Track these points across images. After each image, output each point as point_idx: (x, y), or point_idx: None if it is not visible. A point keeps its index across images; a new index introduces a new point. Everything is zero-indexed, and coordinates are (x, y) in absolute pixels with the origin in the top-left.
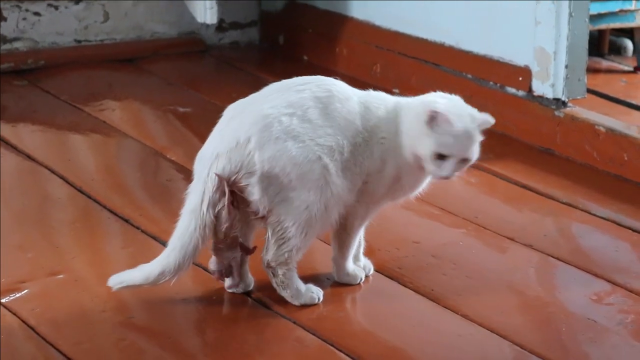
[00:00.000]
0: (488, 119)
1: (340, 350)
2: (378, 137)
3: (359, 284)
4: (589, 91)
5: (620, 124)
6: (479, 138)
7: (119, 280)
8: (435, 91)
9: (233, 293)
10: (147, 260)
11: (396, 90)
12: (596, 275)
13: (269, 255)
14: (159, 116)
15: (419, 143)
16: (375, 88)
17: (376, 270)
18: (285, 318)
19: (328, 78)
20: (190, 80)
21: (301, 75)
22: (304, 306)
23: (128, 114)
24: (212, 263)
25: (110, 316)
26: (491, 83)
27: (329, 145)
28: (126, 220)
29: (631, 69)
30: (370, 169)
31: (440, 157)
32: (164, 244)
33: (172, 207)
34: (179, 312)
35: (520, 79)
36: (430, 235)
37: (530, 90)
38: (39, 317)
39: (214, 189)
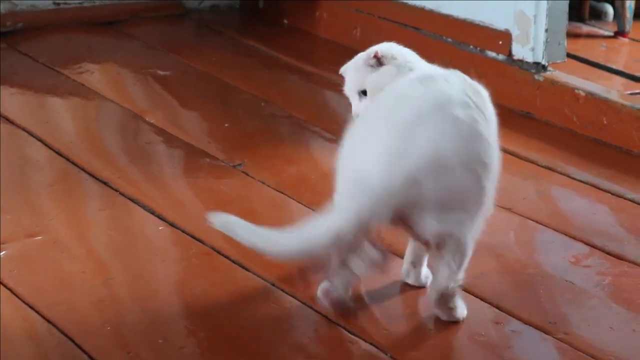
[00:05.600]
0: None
1: (319, 313)
2: None
3: None
4: (569, 56)
5: (600, 88)
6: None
7: (224, 223)
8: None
9: (213, 255)
10: (126, 222)
11: None
12: (574, 238)
13: (448, 280)
14: (138, 79)
15: None
16: (356, 52)
17: None
18: (260, 277)
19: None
20: (170, 44)
21: (281, 38)
22: None
23: (107, 77)
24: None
25: (89, 277)
26: (471, 47)
27: (487, 162)
28: (104, 183)
29: (611, 34)
30: None
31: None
32: (143, 206)
33: (150, 169)
34: (159, 273)
35: (500, 42)
36: None
37: (510, 54)
38: (17, 279)
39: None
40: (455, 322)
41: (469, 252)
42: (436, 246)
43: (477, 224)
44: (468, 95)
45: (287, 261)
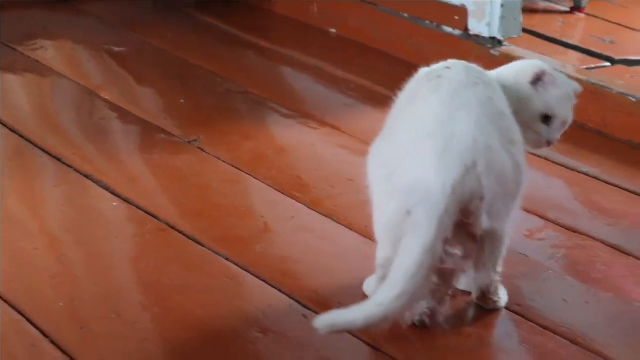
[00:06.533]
0: (578, 86)
1: (273, 287)
2: None
3: None
4: (526, 31)
5: (556, 63)
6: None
7: (330, 323)
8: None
9: (167, 231)
10: (80, 199)
11: (333, 30)
12: (529, 211)
13: (489, 277)
14: (93, 56)
15: (524, 107)
16: (313, 28)
17: (311, 208)
18: (215, 252)
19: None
20: (126, 20)
21: (238, 15)
22: None
23: (62, 53)
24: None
25: (43, 254)
26: (427, 22)
27: (517, 140)
28: (59, 159)
29: (568, 9)
30: None
31: (546, 119)
32: (97, 182)
33: (105, 146)
34: (113, 249)
35: (457, 17)
36: (364, 173)
37: (466, 29)
38: None
39: (451, 224)
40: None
41: (507, 244)
42: (481, 243)
43: (512, 216)
44: (474, 76)
45: (408, 308)
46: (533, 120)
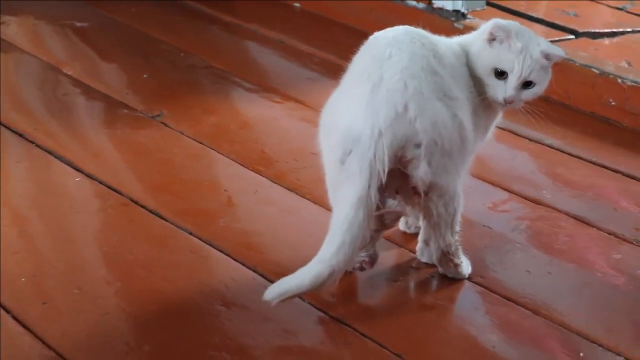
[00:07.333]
0: (558, 51)
1: (237, 260)
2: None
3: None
4: (490, 4)
5: None
6: (547, 68)
7: (279, 292)
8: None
9: (130, 206)
10: (43, 174)
11: (297, 5)
12: (493, 183)
13: (447, 239)
14: (56, 31)
15: (479, 62)
16: (277, 2)
17: (274, 182)
18: (178, 227)
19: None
20: None
21: None
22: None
23: (24, 29)
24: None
25: (5, 229)
26: None
27: (456, 97)
28: (21, 135)
29: None
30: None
31: (500, 75)
32: (60, 158)
33: (68, 121)
34: (76, 224)
35: None
36: None
37: (430, 3)
38: None
39: (385, 171)
40: (375, 266)
41: (459, 204)
42: (429, 201)
43: (462, 176)
44: (412, 36)
45: (352, 258)
46: (487, 75)
